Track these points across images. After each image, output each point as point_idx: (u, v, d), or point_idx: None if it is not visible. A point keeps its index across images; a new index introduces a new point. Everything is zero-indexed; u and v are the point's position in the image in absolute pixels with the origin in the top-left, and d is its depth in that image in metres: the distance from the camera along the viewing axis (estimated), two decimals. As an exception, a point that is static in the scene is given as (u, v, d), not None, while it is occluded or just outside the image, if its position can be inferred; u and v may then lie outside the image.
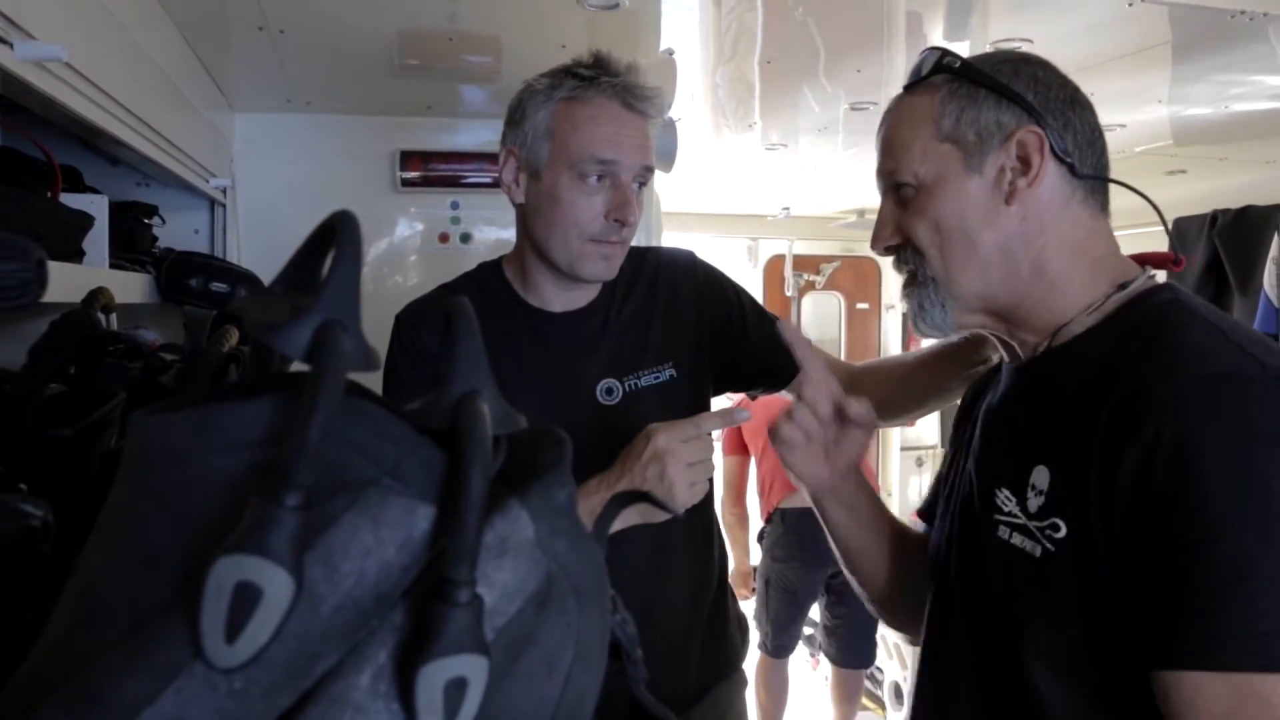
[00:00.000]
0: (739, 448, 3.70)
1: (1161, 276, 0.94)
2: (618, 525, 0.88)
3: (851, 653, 3.59)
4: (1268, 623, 0.68)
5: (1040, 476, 0.84)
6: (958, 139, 0.91)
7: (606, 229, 1.22)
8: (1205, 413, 0.73)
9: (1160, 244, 0.99)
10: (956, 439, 1.08)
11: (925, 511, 1.17)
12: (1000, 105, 0.90)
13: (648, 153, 1.24)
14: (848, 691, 3.67)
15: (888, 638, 3.72)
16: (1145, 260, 0.95)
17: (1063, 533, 0.81)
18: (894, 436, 4.78)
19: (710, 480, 1.17)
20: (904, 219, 0.95)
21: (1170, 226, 0.97)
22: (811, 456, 1.06)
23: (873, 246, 1.00)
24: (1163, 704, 0.73)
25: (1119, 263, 0.93)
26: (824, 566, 3.40)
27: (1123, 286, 0.89)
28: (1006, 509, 0.88)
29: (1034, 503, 0.84)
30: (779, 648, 3.58)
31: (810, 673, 4.15)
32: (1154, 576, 0.73)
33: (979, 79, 0.91)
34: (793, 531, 3.43)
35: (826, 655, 3.67)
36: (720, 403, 1.69)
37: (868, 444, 1.07)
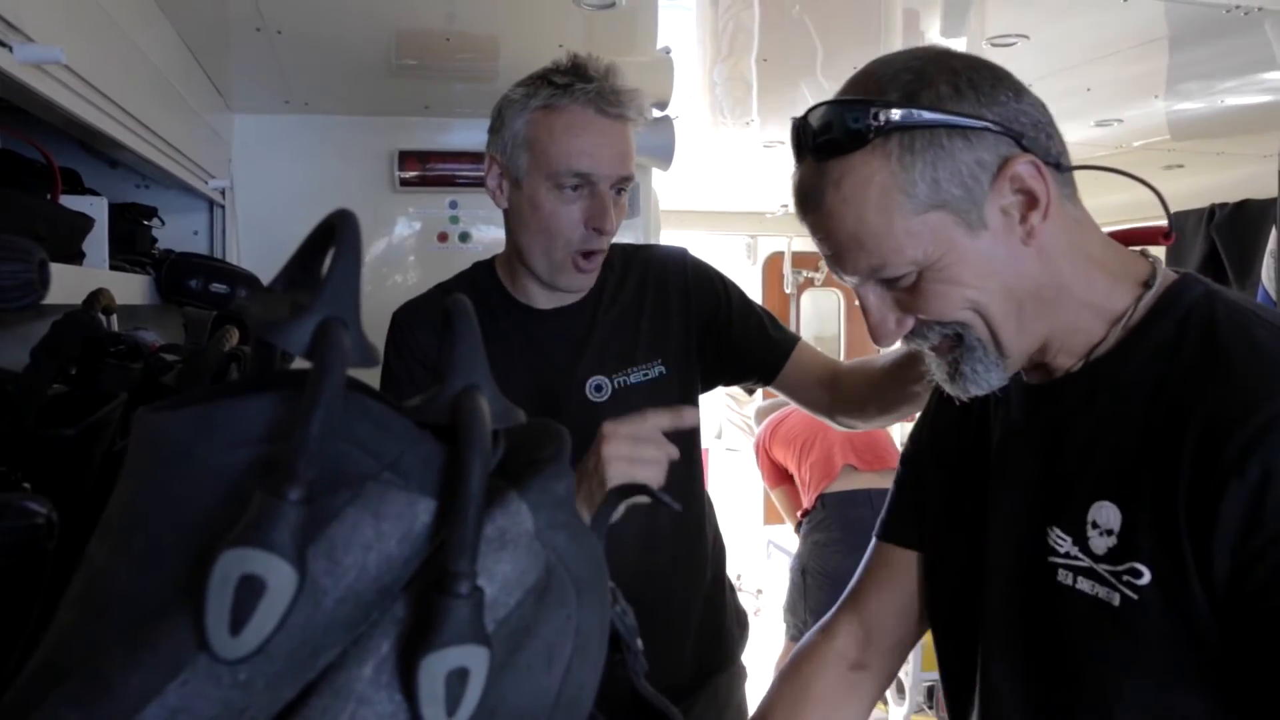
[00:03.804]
0: (782, 477, 3.68)
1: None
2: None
3: None
4: None
5: (1105, 514, 0.76)
6: (945, 202, 0.74)
7: (586, 237, 1.23)
8: None
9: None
10: (956, 460, 0.96)
11: (890, 533, 1.07)
12: (970, 142, 0.74)
13: (626, 160, 1.24)
14: None
15: None
16: (1133, 238, 0.86)
17: (1146, 579, 0.72)
18: (896, 435, 4.77)
19: (699, 469, 1.20)
20: (911, 304, 0.80)
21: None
22: None
23: (881, 345, 0.85)
24: None
25: (1124, 258, 0.83)
26: (863, 552, 3.38)
27: (1146, 285, 0.80)
28: (1062, 549, 0.79)
29: (1100, 543, 0.76)
30: None
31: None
32: None
33: (935, 121, 0.73)
34: (832, 513, 3.43)
35: None
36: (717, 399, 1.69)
37: None
